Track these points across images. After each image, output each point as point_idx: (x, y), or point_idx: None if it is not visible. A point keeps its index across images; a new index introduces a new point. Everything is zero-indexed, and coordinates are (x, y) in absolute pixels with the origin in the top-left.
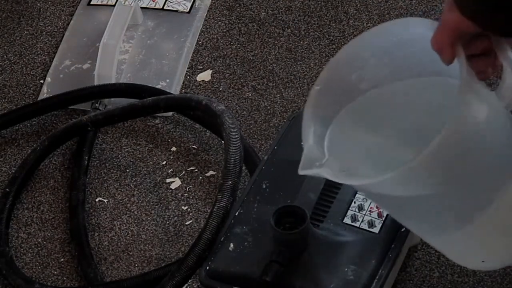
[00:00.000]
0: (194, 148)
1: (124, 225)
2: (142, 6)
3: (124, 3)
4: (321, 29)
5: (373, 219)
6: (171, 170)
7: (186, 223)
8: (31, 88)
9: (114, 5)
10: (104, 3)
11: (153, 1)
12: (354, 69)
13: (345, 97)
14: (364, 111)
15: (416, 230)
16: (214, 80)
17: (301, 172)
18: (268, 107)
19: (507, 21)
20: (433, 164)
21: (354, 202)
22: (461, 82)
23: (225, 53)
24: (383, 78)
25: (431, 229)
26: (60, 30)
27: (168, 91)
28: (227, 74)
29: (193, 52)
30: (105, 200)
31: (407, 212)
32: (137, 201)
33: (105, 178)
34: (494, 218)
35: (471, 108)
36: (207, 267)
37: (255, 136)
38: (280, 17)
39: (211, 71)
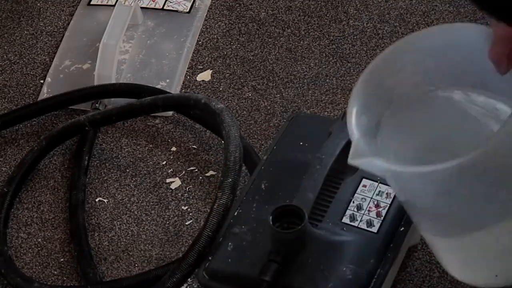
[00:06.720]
0: (194, 148)
1: (124, 225)
2: (142, 6)
3: (124, 3)
4: (321, 29)
5: (371, 218)
6: (171, 170)
7: (186, 223)
8: (31, 88)
9: (114, 5)
10: (104, 3)
11: (153, 1)
12: (393, 73)
13: (387, 96)
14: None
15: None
16: (214, 80)
17: (351, 161)
18: (268, 107)
19: None
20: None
21: (353, 202)
22: None
23: (225, 53)
24: (421, 83)
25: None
26: (60, 30)
27: (168, 91)
28: (227, 74)
29: (193, 52)
30: (105, 200)
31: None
32: (137, 201)
33: (105, 178)
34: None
35: None
36: (206, 267)
37: (255, 136)
38: (280, 17)
39: (211, 71)
